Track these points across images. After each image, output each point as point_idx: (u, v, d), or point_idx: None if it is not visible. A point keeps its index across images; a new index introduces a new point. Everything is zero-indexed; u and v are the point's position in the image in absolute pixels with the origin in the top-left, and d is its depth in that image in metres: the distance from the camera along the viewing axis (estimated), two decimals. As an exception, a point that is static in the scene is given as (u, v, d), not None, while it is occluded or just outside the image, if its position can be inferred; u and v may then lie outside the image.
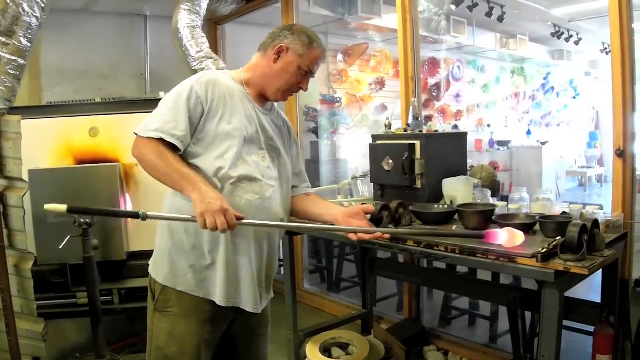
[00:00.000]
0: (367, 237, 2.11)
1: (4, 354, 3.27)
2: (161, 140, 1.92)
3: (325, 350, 3.59)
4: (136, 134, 1.96)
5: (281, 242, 2.41)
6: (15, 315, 3.14)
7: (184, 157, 2.00)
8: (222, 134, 2.02)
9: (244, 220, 1.91)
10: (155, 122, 1.96)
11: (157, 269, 2.11)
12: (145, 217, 1.94)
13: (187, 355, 2.05)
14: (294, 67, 2.07)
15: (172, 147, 1.94)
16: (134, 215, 1.99)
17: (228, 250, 2.02)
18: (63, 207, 1.95)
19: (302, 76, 2.11)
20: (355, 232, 2.07)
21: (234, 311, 2.12)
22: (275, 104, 2.28)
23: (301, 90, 2.18)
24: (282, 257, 5.27)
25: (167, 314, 2.07)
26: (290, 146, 2.32)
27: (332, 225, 2.19)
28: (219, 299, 2.04)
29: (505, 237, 1.95)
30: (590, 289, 3.03)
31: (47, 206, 1.98)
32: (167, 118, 1.96)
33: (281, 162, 2.20)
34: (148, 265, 2.17)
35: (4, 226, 3.11)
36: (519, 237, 1.96)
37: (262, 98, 2.17)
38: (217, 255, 2.02)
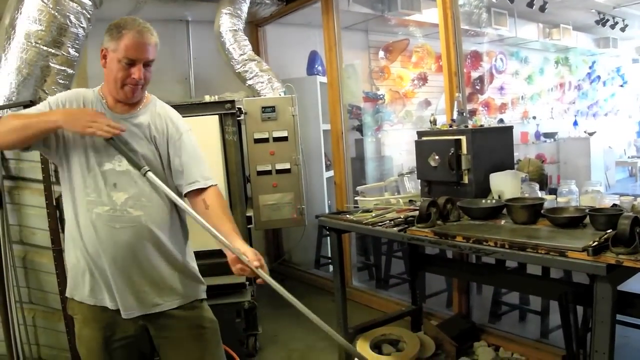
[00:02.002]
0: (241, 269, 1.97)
1: (64, 352, 3.43)
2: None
3: (376, 346, 3.61)
4: None
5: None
6: (74, 316, 3.26)
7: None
8: (68, 149, 2.10)
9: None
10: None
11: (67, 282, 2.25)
12: None
13: (93, 358, 2.16)
14: (114, 63, 2.06)
15: None
16: None
17: (98, 259, 2.07)
18: None
19: (128, 68, 2.07)
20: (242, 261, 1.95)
21: (141, 318, 2.14)
22: (155, 103, 2.32)
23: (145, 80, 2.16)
24: (329, 255, 5.34)
25: (76, 320, 2.22)
26: (166, 143, 2.22)
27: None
28: (110, 305, 2.12)
29: None
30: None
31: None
32: (33, 112, 2.12)
33: (145, 164, 2.13)
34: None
35: (60, 231, 3.21)
36: None
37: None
38: (93, 266, 2.09)
